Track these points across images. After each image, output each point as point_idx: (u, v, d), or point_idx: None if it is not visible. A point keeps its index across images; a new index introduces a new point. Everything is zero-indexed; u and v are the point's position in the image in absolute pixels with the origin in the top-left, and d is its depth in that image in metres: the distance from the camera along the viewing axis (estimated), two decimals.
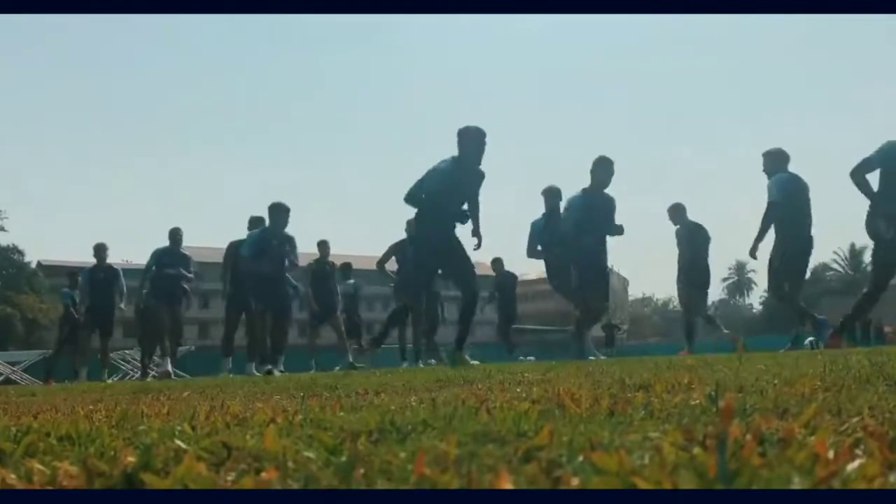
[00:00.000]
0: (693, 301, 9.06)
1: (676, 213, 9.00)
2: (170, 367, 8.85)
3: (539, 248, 8.13)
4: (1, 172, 79.28)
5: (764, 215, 6.99)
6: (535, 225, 8.17)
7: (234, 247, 8.86)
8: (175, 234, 9.28)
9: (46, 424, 1.28)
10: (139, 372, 11.23)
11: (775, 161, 7.20)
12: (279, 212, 8.26)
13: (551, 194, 8.25)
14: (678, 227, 8.99)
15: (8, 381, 12.49)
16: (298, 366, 9.30)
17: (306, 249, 9.42)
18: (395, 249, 9.53)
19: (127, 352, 15.52)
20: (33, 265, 50.85)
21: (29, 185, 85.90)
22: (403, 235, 9.29)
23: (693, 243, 8.91)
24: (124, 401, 2.46)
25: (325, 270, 10.10)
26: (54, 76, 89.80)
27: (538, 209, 8.42)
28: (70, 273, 12.15)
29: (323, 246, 10.29)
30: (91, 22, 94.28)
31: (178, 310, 9.31)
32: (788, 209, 6.92)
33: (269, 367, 7.94)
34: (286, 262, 8.38)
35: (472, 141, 6.24)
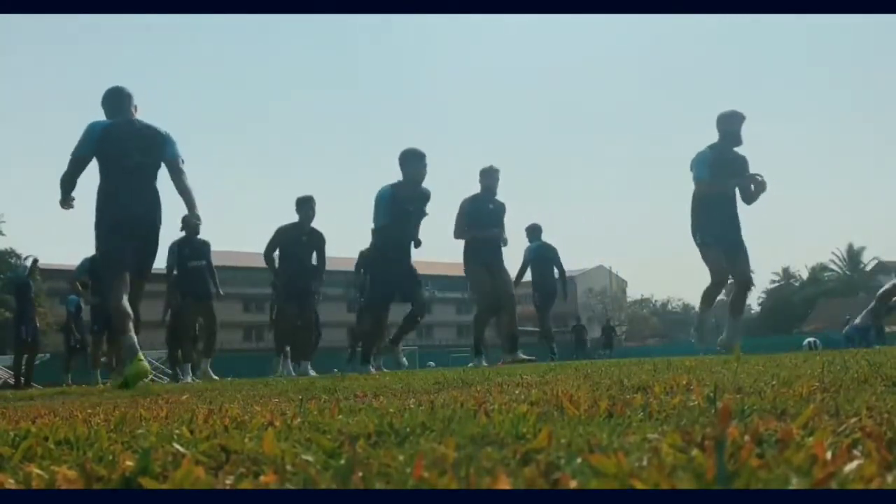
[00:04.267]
0: (541, 317, 10.37)
1: (532, 233, 10.39)
2: (191, 378, 7.76)
3: (708, 180, 6.65)
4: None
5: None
6: (703, 155, 6.71)
7: (284, 232, 8.14)
8: (188, 221, 7.57)
9: (44, 429, 1.28)
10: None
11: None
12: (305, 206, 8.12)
13: (732, 120, 6.71)
14: (528, 246, 10.20)
15: (6, 385, 12.39)
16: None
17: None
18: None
19: None
20: None
21: (27, 188, 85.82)
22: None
23: (542, 263, 10.11)
24: (123, 404, 2.46)
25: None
26: (52, 75, 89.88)
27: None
28: (82, 283, 11.79)
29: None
30: (95, 21, 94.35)
31: (211, 304, 8.45)
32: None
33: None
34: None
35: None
